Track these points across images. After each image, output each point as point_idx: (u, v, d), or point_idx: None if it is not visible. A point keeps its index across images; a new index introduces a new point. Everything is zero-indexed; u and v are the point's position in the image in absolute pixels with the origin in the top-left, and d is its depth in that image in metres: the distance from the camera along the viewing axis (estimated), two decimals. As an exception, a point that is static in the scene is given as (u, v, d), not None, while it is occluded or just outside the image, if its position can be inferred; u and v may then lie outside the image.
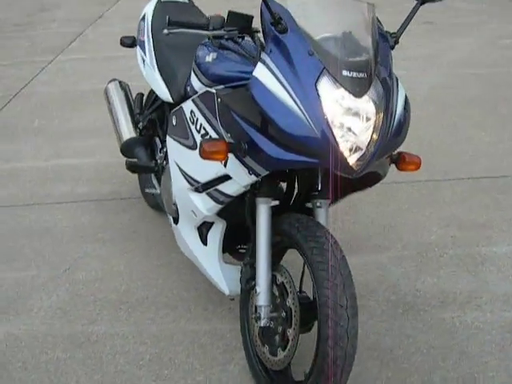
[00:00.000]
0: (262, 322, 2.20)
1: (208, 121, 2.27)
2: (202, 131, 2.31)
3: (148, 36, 3.18)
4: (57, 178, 4.08)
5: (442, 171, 3.92)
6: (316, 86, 1.94)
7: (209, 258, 2.57)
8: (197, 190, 2.42)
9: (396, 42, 2.21)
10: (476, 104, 4.89)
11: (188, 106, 2.44)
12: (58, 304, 2.92)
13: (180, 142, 2.52)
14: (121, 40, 3.44)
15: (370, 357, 2.54)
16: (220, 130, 2.20)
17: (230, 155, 2.15)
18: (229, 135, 2.16)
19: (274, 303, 2.24)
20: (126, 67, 5.16)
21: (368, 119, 1.98)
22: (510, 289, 2.88)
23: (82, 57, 6.54)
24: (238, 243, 2.68)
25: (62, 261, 3.23)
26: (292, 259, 2.42)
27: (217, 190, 2.30)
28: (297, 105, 1.94)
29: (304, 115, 1.93)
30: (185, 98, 2.56)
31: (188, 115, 2.43)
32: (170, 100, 2.88)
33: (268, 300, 2.20)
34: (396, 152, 2.27)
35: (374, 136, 1.99)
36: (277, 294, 2.25)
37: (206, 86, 2.34)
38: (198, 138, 2.34)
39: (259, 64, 2.02)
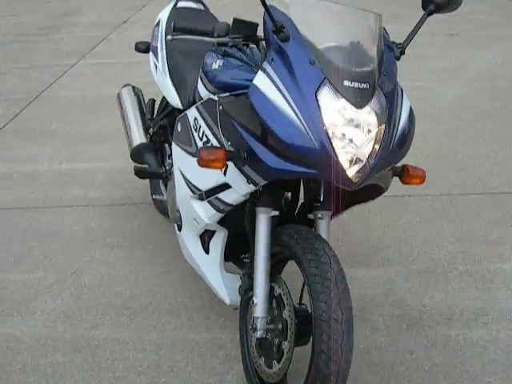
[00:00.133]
0: (258, 334, 2.17)
1: (210, 128, 2.26)
2: (204, 139, 2.30)
3: (161, 42, 3.19)
4: (71, 181, 4.09)
5: (456, 185, 3.86)
6: (316, 96, 1.92)
7: (210, 266, 2.56)
8: (198, 198, 2.41)
9: (402, 53, 2.18)
10: (494, 118, 4.82)
11: (192, 113, 2.43)
12: (62, 307, 2.93)
13: (184, 149, 2.51)
14: (136, 45, 3.45)
15: (371, 372, 2.50)
16: (221, 137, 2.19)
17: (230, 164, 2.13)
18: (229, 143, 2.14)
19: (271, 315, 2.22)
20: (148, 72, 5.17)
21: (369, 131, 1.95)
22: (518, 307, 2.83)
23: (104, 61, 6.58)
24: (241, 252, 2.66)
25: (69, 264, 3.24)
26: (295, 270, 2.39)
27: (217, 198, 2.28)
28: (296, 114, 1.92)
29: (303, 125, 1.91)
30: (193, 104, 2.56)
31: (192, 122, 2.42)
32: (180, 106, 2.87)
33: (265, 311, 2.17)
34: (400, 165, 2.25)
35: (375, 148, 1.96)
36: (274, 305, 2.22)
37: (212, 93, 2.33)
38: (200, 146, 2.32)
39: (260, 72, 2.00)
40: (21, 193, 3.97)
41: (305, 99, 1.92)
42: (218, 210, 2.31)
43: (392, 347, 2.62)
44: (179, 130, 2.58)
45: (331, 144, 1.90)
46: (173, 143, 2.67)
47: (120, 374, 2.54)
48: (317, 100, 1.92)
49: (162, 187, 3.19)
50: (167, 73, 3.08)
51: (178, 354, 2.63)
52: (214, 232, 2.50)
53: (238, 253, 2.64)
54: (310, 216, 2.29)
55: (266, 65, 2.01)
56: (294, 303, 2.18)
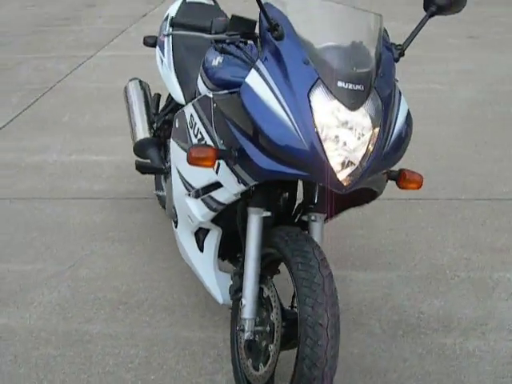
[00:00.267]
0: (246, 335, 2.14)
1: (204, 126, 2.23)
2: (199, 136, 2.27)
3: (168, 37, 3.16)
4: (78, 173, 4.10)
5: (464, 190, 3.80)
6: (309, 97, 1.88)
7: (204, 265, 2.53)
8: (192, 196, 2.39)
9: (401, 55, 2.13)
10: (508, 123, 4.74)
11: (188, 110, 2.40)
12: (58, 300, 2.92)
13: (180, 146, 2.49)
14: (144, 39, 3.43)
15: (362, 378, 2.46)
16: (214, 135, 2.16)
17: (222, 162, 2.11)
18: (221, 142, 2.11)
19: (260, 316, 2.19)
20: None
21: (362, 133, 1.91)
22: (518, 318, 2.77)
23: (121, 54, 6.59)
24: (237, 251, 2.63)
25: (69, 257, 3.23)
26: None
27: (210, 196, 2.26)
28: (287, 115, 1.88)
29: (294, 126, 1.87)
30: (194, 101, 2.53)
31: (188, 119, 2.39)
32: (183, 102, 2.85)
33: (253, 313, 2.14)
34: (398, 169, 2.20)
35: (368, 151, 1.92)
36: (264, 307, 2.19)
37: (211, 90, 2.29)
38: (195, 143, 2.30)
39: (252, 70, 1.97)
40: (28, 183, 3.98)
41: (297, 99, 1.88)
42: (210, 208, 2.28)
43: (386, 353, 2.58)
44: (177, 126, 2.56)
45: (322, 146, 1.87)
46: (171, 139, 2.65)
47: (110, 370, 2.52)
48: (309, 101, 1.88)
49: (164, 183, 3.17)
50: (172, 68, 3.06)
51: (170, 351, 2.61)
52: (208, 230, 2.48)
53: (233, 252, 2.61)
54: (304, 218, 2.26)
55: (259, 63, 1.98)
56: (283, 306, 2.15)
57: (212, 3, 3.43)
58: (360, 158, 1.92)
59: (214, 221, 2.39)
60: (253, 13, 2.14)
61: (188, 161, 2.02)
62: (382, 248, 3.28)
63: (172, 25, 2.22)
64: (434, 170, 4.05)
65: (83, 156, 4.34)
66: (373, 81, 1.96)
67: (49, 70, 6.11)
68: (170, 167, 3.04)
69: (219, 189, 2.19)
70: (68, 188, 3.91)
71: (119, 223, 3.54)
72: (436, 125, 4.72)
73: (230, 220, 2.37)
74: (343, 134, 1.89)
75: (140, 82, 3.52)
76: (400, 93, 2.11)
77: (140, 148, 3.24)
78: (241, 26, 2.11)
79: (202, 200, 2.32)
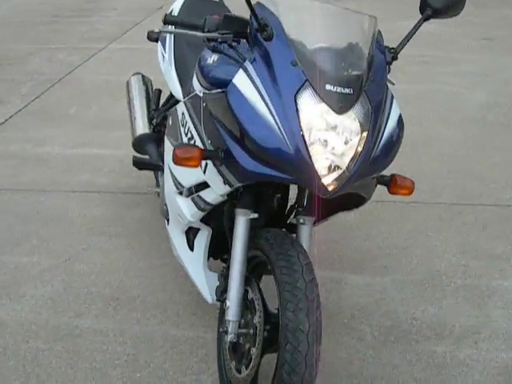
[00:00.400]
0: (229, 337, 2.12)
1: (194, 125, 2.21)
2: (189, 135, 2.25)
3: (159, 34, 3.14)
4: (79, 166, 4.09)
5: (468, 195, 3.75)
6: (295, 99, 1.86)
7: (194, 264, 2.52)
8: (182, 194, 2.37)
9: (394, 58, 2.09)
10: (522, 127, 4.69)
11: (180, 108, 2.39)
12: (51, 294, 2.92)
13: (172, 144, 2.47)
14: (148, 34, 3.40)
15: None
16: (203, 135, 2.14)
17: (209, 162, 2.09)
18: (209, 142, 2.09)
19: (245, 319, 2.17)
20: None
21: (350, 138, 1.89)
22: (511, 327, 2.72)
23: (133, 47, 6.57)
24: (228, 251, 2.61)
25: (65, 251, 3.23)
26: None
27: (199, 196, 2.24)
28: (273, 117, 1.86)
29: (279, 128, 1.85)
30: (191, 98, 2.51)
31: (180, 117, 2.38)
32: (182, 99, 2.82)
33: (237, 315, 2.12)
34: (389, 174, 2.18)
35: (355, 156, 1.90)
36: (249, 309, 2.17)
37: (205, 88, 2.27)
38: (185, 142, 2.28)
39: (240, 71, 1.95)
40: (30, 175, 3.98)
41: (283, 101, 1.86)
42: (199, 208, 2.26)
43: (375, 360, 2.55)
44: (170, 123, 2.54)
45: (307, 149, 1.84)
46: (165, 137, 2.63)
47: (96, 366, 2.52)
48: (296, 103, 1.85)
49: (160, 180, 3.15)
50: (173, 64, 3.03)
51: (158, 349, 2.60)
52: (198, 229, 2.47)
53: (225, 251, 2.59)
54: (293, 221, 2.23)
55: (247, 63, 1.95)
56: (269, 309, 2.12)
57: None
58: (347, 163, 1.89)
59: (204, 220, 2.38)
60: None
61: (173, 160, 2.00)
62: (380, 251, 3.24)
63: (164, 22, 2.20)
64: (439, 174, 4.00)
65: (86, 149, 4.33)
66: (363, 84, 1.93)
67: (60, 62, 6.11)
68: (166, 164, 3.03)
69: (207, 189, 2.17)
70: (69, 181, 3.91)
71: (118, 218, 3.54)
72: (446, 127, 4.67)
73: (220, 220, 2.35)
74: (330, 138, 1.87)
75: (143, 76, 3.51)
76: (392, 96, 2.08)
77: (139, 143, 3.23)
78: (233, 25, 2.08)
79: (192, 199, 2.31)
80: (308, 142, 1.85)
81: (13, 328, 2.71)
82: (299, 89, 1.86)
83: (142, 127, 3.26)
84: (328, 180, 1.87)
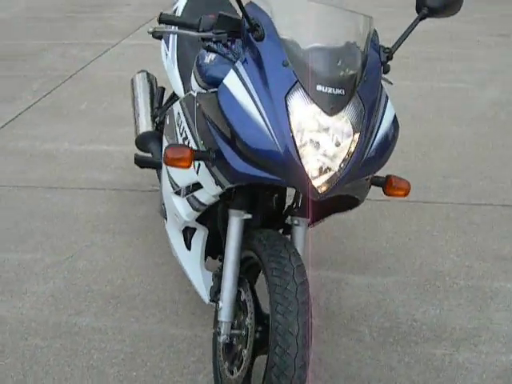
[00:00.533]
0: (222, 338, 2.12)
1: (188, 125, 2.21)
2: (184, 135, 2.24)
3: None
4: (87, 163, 4.11)
5: (476, 195, 3.70)
6: (286, 100, 1.84)
7: (191, 263, 2.52)
8: (178, 194, 2.37)
9: (389, 58, 2.06)
10: (534, 126, 4.62)
11: (176, 108, 2.38)
12: (52, 291, 2.93)
13: (169, 143, 2.46)
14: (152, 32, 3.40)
15: (345, 385, 2.43)
16: (196, 135, 2.13)
17: (202, 163, 2.08)
18: (202, 142, 2.08)
19: (238, 320, 2.16)
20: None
21: (341, 139, 1.86)
22: (513, 330, 2.69)
23: (146, 42, 6.47)
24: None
25: (68, 248, 3.24)
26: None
27: (193, 196, 2.24)
28: (263, 118, 1.84)
29: (269, 129, 1.83)
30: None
31: (176, 116, 2.37)
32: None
33: (229, 316, 2.11)
34: (384, 175, 2.15)
35: (347, 158, 1.87)
36: (241, 311, 2.16)
37: (202, 87, 2.26)
38: (180, 142, 2.27)
39: (231, 71, 1.93)
40: (37, 172, 4.00)
41: (273, 103, 1.84)
42: (194, 208, 2.26)
43: (373, 361, 2.53)
44: (167, 122, 2.54)
45: (297, 151, 1.83)
46: (163, 136, 2.63)
47: (94, 364, 2.52)
48: (286, 104, 1.84)
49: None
50: (175, 62, 3.03)
51: (155, 348, 2.60)
52: (195, 229, 2.46)
53: (222, 251, 2.58)
54: (288, 221, 2.22)
55: (238, 64, 1.94)
56: (262, 311, 2.11)
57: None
58: (338, 165, 1.87)
59: (200, 220, 2.37)
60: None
61: (164, 161, 1.99)
62: (383, 251, 3.22)
63: (159, 21, 2.18)
64: (448, 173, 3.96)
65: (95, 145, 4.34)
66: (355, 85, 1.90)
67: (73, 57, 6.14)
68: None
69: (201, 189, 2.17)
70: (76, 178, 3.93)
71: (122, 215, 3.54)
72: (457, 125, 4.62)
73: (215, 220, 2.35)
74: (321, 140, 1.85)
75: (147, 74, 3.51)
76: (387, 97, 2.05)
77: (142, 141, 3.22)
78: (227, 24, 2.06)
79: (187, 199, 2.30)
80: (298, 144, 1.83)
81: (12, 325, 2.72)
82: (290, 90, 1.84)
83: (146, 125, 3.26)
84: (318, 182, 1.85)
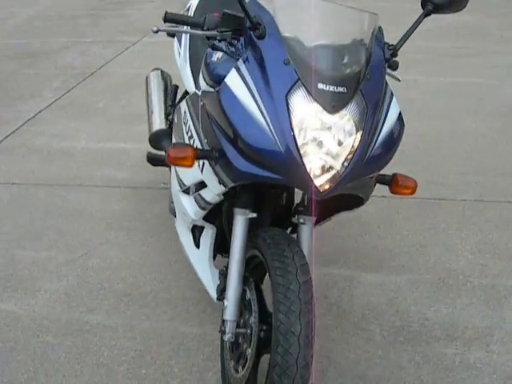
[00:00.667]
0: (227, 337, 2.11)
1: (194, 123, 2.21)
2: (189, 133, 2.25)
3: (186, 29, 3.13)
4: (103, 161, 4.13)
5: (492, 192, 3.66)
6: (287, 99, 1.83)
7: (200, 261, 2.52)
8: (185, 193, 2.37)
9: (393, 55, 2.03)
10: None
11: (183, 106, 2.38)
12: (65, 288, 2.96)
13: (176, 141, 2.46)
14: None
15: (353, 385, 2.41)
16: (200, 134, 2.13)
17: (206, 162, 2.08)
18: (206, 141, 2.08)
19: (243, 319, 2.16)
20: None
21: (343, 138, 1.85)
22: (526, 330, 2.65)
23: (167, 40, 6.52)
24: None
25: (82, 245, 3.27)
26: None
27: (199, 194, 2.24)
28: (263, 117, 1.83)
29: (269, 128, 1.82)
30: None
31: (182, 115, 2.37)
32: (196, 96, 2.82)
33: (234, 315, 2.11)
34: (390, 173, 2.13)
35: (348, 156, 1.86)
36: (246, 310, 2.16)
37: (210, 86, 2.26)
38: (186, 140, 2.27)
39: (232, 70, 1.93)
40: (54, 169, 4.03)
41: (274, 101, 1.83)
42: (200, 206, 2.26)
43: (383, 360, 2.51)
44: (175, 121, 2.54)
45: (298, 150, 1.81)
46: (172, 134, 2.63)
47: (103, 361, 2.54)
48: (287, 103, 1.82)
49: (173, 176, 3.15)
50: (188, 61, 3.03)
51: (165, 346, 2.61)
52: (203, 227, 2.46)
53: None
54: (294, 220, 2.21)
55: (240, 63, 1.93)
56: (267, 310, 2.11)
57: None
58: (340, 163, 1.85)
59: (207, 219, 2.37)
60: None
61: (167, 160, 2.00)
62: (397, 249, 3.19)
63: (165, 20, 2.19)
64: (464, 170, 3.92)
65: (112, 143, 4.37)
66: (358, 83, 1.88)
67: (93, 55, 6.18)
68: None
69: (205, 188, 2.16)
70: (92, 175, 3.95)
71: (137, 213, 3.56)
72: (474, 121, 4.56)
73: (221, 219, 2.34)
74: (322, 138, 1.84)
75: (162, 72, 3.52)
76: (392, 94, 2.03)
77: (155, 139, 3.23)
78: (232, 22, 2.06)
79: (194, 198, 2.30)
80: (299, 143, 1.82)
81: (25, 322, 2.75)
82: (291, 88, 1.83)
83: (159, 123, 3.26)
84: (320, 181, 1.84)
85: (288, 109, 1.82)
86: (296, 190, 2.37)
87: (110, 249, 3.24)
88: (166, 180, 3.63)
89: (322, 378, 2.42)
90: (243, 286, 2.14)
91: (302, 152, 1.82)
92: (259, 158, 1.86)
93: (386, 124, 1.95)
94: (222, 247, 2.54)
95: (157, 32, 2.14)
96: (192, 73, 2.94)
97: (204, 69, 2.33)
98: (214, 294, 2.48)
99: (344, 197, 2.02)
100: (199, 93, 2.17)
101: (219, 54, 2.25)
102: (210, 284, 2.49)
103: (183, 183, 2.35)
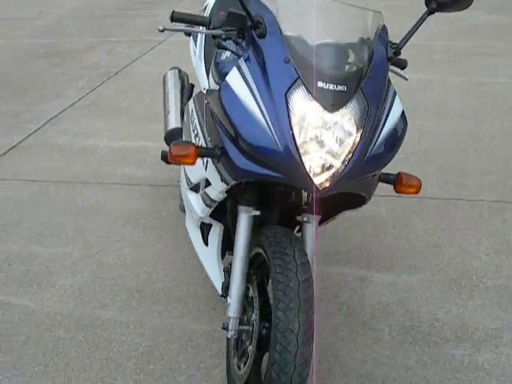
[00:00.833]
0: (229, 334, 2.13)
1: (199, 122, 2.23)
2: (195, 131, 2.27)
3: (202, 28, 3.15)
4: (124, 159, 4.18)
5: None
6: (286, 97, 1.83)
7: (209, 258, 2.54)
8: (193, 190, 2.39)
9: (396, 54, 2.03)
10: None
11: (191, 105, 2.40)
12: (80, 284, 3.00)
13: (185, 139, 2.49)
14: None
15: (358, 384, 2.41)
16: (205, 132, 2.15)
17: (210, 160, 2.09)
18: (209, 139, 2.10)
19: (247, 316, 2.17)
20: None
21: (342, 136, 1.85)
22: (538, 332, 2.62)
23: (193, 39, 6.62)
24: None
25: (98, 242, 3.31)
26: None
27: (205, 192, 2.25)
28: (263, 115, 1.84)
29: (268, 126, 1.83)
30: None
31: (190, 113, 2.39)
32: (208, 94, 2.84)
33: (237, 312, 2.12)
34: (395, 172, 2.13)
35: (348, 155, 1.86)
36: (250, 307, 2.17)
37: (217, 84, 2.27)
38: (192, 138, 2.29)
39: (234, 69, 1.94)
40: (75, 167, 4.09)
41: (274, 99, 1.84)
42: (206, 204, 2.28)
43: (390, 360, 2.50)
44: (185, 119, 2.56)
45: (297, 148, 1.82)
46: (183, 132, 2.66)
47: (113, 356, 2.57)
48: (286, 101, 1.83)
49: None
50: (203, 60, 3.05)
51: (174, 342, 2.64)
52: (211, 225, 2.48)
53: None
54: (299, 218, 2.21)
55: (241, 61, 1.94)
56: (269, 307, 2.11)
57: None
58: (339, 162, 1.85)
59: (214, 216, 2.38)
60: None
61: (169, 158, 2.02)
62: (411, 249, 3.17)
63: (171, 19, 2.21)
64: (486, 169, 3.88)
65: (133, 142, 4.42)
66: (359, 81, 1.88)
67: (119, 55, 6.25)
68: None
69: (210, 185, 2.18)
70: (112, 173, 4.00)
71: (154, 211, 3.59)
72: (499, 122, 4.51)
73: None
74: (321, 137, 1.84)
75: (179, 71, 3.55)
76: (395, 92, 2.02)
77: (170, 137, 3.25)
78: (237, 21, 2.07)
79: (201, 195, 2.32)
80: (298, 141, 1.82)
81: (38, 317, 2.80)
82: (290, 86, 1.84)
83: (175, 121, 3.29)
84: (320, 179, 1.84)
85: (287, 107, 1.83)
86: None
87: (126, 246, 3.28)
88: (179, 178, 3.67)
89: (328, 376, 2.42)
90: (247, 283, 2.15)
91: (301, 150, 1.82)
92: (259, 156, 1.87)
93: (387, 123, 1.95)
94: (229, 245, 2.55)
95: (163, 31, 2.16)
96: (207, 72, 2.96)
97: (213, 67, 2.35)
98: (221, 292, 2.50)
99: (346, 196, 2.02)
100: (205, 91, 2.18)
101: (227, 53, 2.27)
102: (218, 281, 2.51)
103: (190, 181, 2.37)
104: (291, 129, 1.82)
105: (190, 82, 3.53)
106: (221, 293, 2.48)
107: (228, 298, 2.15)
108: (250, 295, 2.15)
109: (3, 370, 2.51)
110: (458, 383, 2.39)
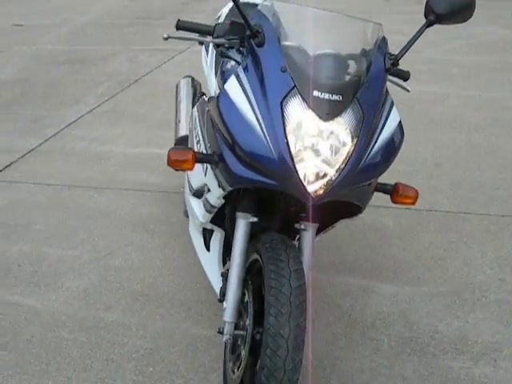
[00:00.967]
0: (224, 338, 2.15)
1: (201, 129, 2.27)
2: (197, 138, 2.31)
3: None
4: (137, 165, 4.24)
5: (521, 207, 3.61)
6: (282, 105, 1.87)
7: (210, 264, 2.57)
8: (195, 196, 2.43)
9: (394, 65, 2.05)
10: None
11: (194, 112, 2.44)
12: (86, 286, 3.05)
13: (190, 146, 2.53)
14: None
15: (354, 393, 2.42)
16: (205, 139, 2.18)
17: (209, 166, 2.13)
18: (209, 145, 2.13)
19: (242, 321, 2.20)
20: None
21: (336, 145, 1.88)
22: (538, 347, 2.61)
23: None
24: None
25: (107, 246, 3.36)
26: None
27: (206, 198, 2.29)
28: (259, 123, 1.88)
29: (264, 134, 1.87)
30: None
31: (193, 120, 2.44)
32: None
33: (232, 316, 2.15)
34: (392, 182, 2.15)
35: (341, 164, 1.88)
36: (245, 312, 2.20)
37: (223, 92, 2.32)
38: (195, 145, 2.33)
39: (232, 77, 1.98)
40: (89, 173, 4.16)
41: (269, 108, 1.88)
42: (206, 210, 2.31)
43: (387, 371, 2.51)
44: (190, 126, 2.60)
45: (291, 156, 1.85)
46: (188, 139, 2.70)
47: (114, 358, 2.61)
48: (282, 110, 1.86)
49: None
50: (213, 69, 3.10)
51: (175, 346, 2.67)
52: (213, 230, 2.51)
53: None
54: (297, 225, 2.23)
55: (239, 70, 1.98)
56: (263, 312, 2.14)
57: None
58: (332, 170, 1.88)
59: (215, 222, 2.42)
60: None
61: (168, 163, 2.06)
62: (416, 261, 3.18)
63: (177, 27, 2.25)
64: (496, 184, 3.88)
65: (148, 148, 4.48)
66: (355, 91, 1.91)
67: (140, 63, 6.34)
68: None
69: (210, 191, 2.22)
70: (125, 179, 4.06)
71: (164, 217, 3.64)
72: (507, 137, 4.50)
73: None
74: (315, 145, 1.87)
75: (192, 79, 3.61)
76: (392, 103, 2.04)
77: (180, 145, 3.30)
78: (239, 31, 2.12)
79: (202, 201, 2.36)
80: (293, 150, 1.85)
81: (44, 317, 2.85)
82: (286, 95, 1.87)
83: (185, 129, 3.34)
84: (313, 187, 1.87)
85: (283, 115, 1.86)
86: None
87: (133, 250, 3.33)
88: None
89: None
90: (243, 289, 2.18)
91: (295, 158, 1.85)
92: (254, 163, 1.90)
93: (383, 133, 1.97)
94: (230, 251, 2.58)
95: (167, 39, 2.20)
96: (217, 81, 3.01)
97: (219, 76, 2.39)
98: (219, 296, 2.53)
99: (342, 205, 2.05)
100: (206, 99, 2.22)
101: (232, 62, 2.31)
102: (218, 286, 2.54)
103: (192, 186, 2.41)
104: (286, 137, 1.85)
105: (202, 90, 3.59)
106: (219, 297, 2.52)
107: (224, 303, 2.18)
108: (245, 300, 2.18)
109: (6, 368, 2.56)
110: (453, 395, 2.40)
